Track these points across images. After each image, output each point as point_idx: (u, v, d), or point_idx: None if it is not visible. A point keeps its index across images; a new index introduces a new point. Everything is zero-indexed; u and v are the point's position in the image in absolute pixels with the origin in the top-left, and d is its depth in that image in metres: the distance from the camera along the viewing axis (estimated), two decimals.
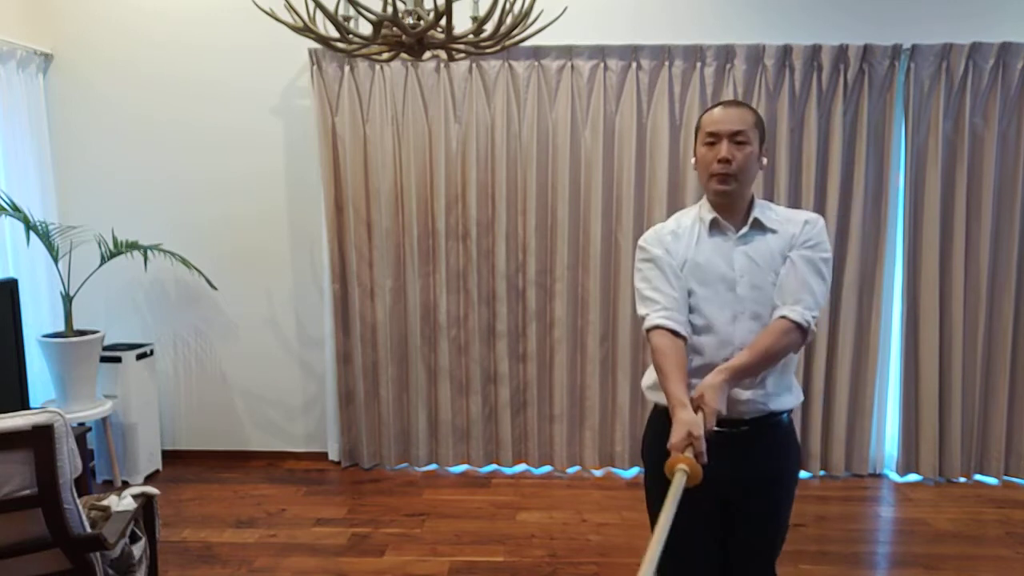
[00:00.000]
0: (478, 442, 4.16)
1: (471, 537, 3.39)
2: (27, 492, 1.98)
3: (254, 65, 4.03)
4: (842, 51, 3.81)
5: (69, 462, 2.01)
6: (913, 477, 4.10)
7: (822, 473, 4.11)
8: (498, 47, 2.73)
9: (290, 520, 3.57)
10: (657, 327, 1.80)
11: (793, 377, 1.93)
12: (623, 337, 4.04)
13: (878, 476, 4.12)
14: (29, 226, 3.54)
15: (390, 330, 4.08)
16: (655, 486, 1.85)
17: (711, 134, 1.84)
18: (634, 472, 4.14)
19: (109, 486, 3.92)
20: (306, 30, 2.67)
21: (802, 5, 3.92)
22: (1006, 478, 4.06)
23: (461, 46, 2.71)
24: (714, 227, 1.89)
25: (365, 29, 2.93)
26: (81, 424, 3.61)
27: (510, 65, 3.88)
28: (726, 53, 3.85)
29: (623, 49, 3.86)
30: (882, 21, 3.90)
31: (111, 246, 3.80)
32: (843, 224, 3.96)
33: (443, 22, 2.46)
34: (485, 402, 4.16)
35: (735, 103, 1.89)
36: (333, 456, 4.29)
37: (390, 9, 2.43)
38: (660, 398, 1.82)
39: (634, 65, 3.87)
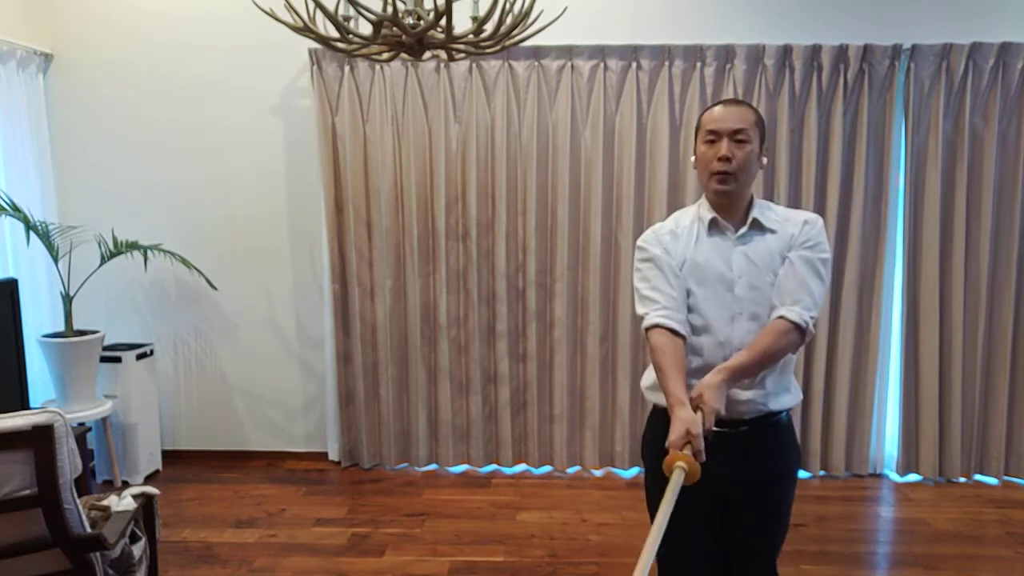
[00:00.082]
0: (478, 442, 4.16)
1: (471, 537, 3.39)
2: (27, 492, 1.98)
3: (254, 65, 4.04)
4: (842, 51, 3.82)
5: (69, 462, 2.01)
6: (913, 477, 4.10)
7: (822, 473, 4.11)
8: (498, 47, 2.73)
9: (290, 520, 3.57)
10: (656, 326, 1.80)
11: (792, 377, 1.93)
12: (623, 337, 4.04)
13: (878, 476, 4.12)
14: (29, 226, 3.54)
15: (390, 330, 4.08)
16: (655, 486, 1.85)
17: (711, 132, 1.84)
18: (634, 472, 4.14)
19: (109, 486, 3.92)
20: (306, 30, 2.68)
21: (802, 5, 3.92)
22: (1006, 478, 4.06)
23: (461, 46, 2.71)
24: (713, 227, 1.89)
25: (365, 29, 2.93)
26: (81, 424, 3.61)
27: (510, 65, 3.88)
28: (726, 53, 3.85)
29: (623, 49, 3.86)
30: (882, 21, 3.90)
31: (111, 246, 3.80)
32: (843, 224, 3.96)
33: (443, 22, 2.46)
34: (485, 402, 4.16)
35: (736, 101, 1.89)
36: (333, 456, 4.29)
37: (390, 9, 2.43)
38: (659, 399, 1.82)
39: (634, 65, 3.87)
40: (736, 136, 1.82)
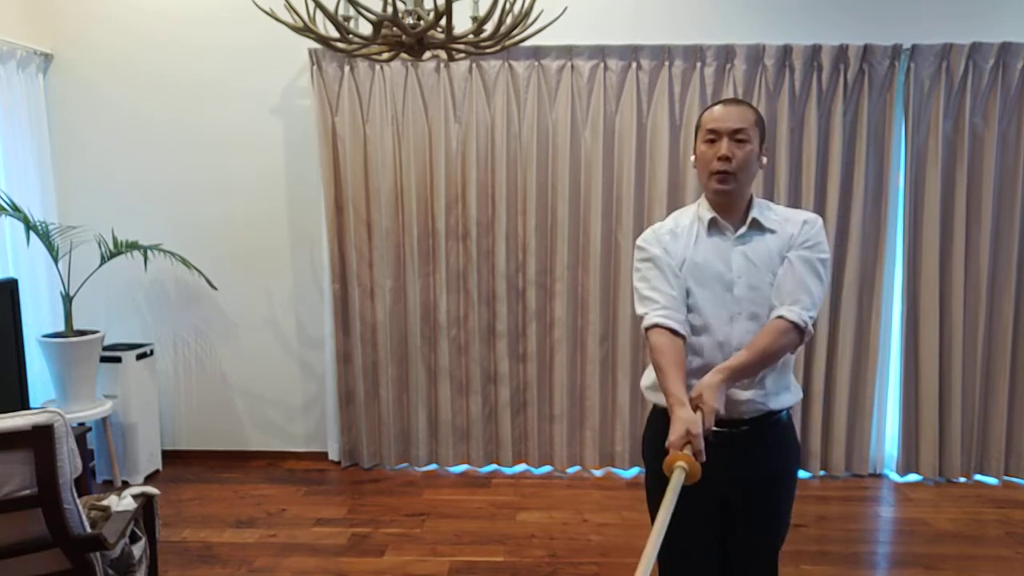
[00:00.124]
0: (478, 442, 4.16)
1: (471, 537, 3.38)
2: (27, 492, 1.98)
3: (254, 65, 4.04)
4: (842, 51, 3.81)
5: (69, 462, 2.01)
6: (913, 477, 4.10)
7: (822, 473, 4.11)
8: (498, 47, 2.73)
9: (290, 520, 3.57)
10: (656, 325, 1.80)
11: (792, 376, 1.93)
12: (623, 337, 4.04)
13: (878, 476, 4.12)
14: (29, 226, 3.54)
15: (390, 330, 4.08)
16: (655, 486, 1.85)
17: (711, 131, 1.84)
18: (634, 472, 4.14)
19: (109, 486, 3.92)
20: (306, 30, 2.68)
21: (802, 5, 3.92)
22: (1006, 478, 4.06)
23: (461, 46, 2.71)
24: (712, 227, 1.89)
25: (365, 29, 2.93)
26: (81, 424, 3.61)
27: (510, 65, 3.88)
28: (726, 53, 3.85)
29: (623, 49, 3.86)
30: (882, 21, 3.90)
31: (111, 246, 3.80)
32: (843, 224, 3.96)
33: (443, 22, 2.46)
34: (485, 402, 4.16)
35: (736, 101, 1.89)
36: (333, 456, 4.29)
37: (390, 9, 2.43)
38: (659, 399, 1.82)
39: (634, 65, 3.87)
40: (736, 136, 1.81)
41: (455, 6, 2.52)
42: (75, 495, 2.06)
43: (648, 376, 1.94)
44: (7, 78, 3.74)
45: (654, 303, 1.83)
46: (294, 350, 4.28)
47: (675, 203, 3.88)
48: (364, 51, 2.76)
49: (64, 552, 2.06)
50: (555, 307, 4.07)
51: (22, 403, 3.45)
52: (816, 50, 3.82)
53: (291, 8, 2.73)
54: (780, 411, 1.89)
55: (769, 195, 3.91)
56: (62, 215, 4.10)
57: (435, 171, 3.97)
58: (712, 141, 1.84)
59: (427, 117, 3.95)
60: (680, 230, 1.91)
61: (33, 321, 3.81)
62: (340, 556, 3.21)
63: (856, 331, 4.01)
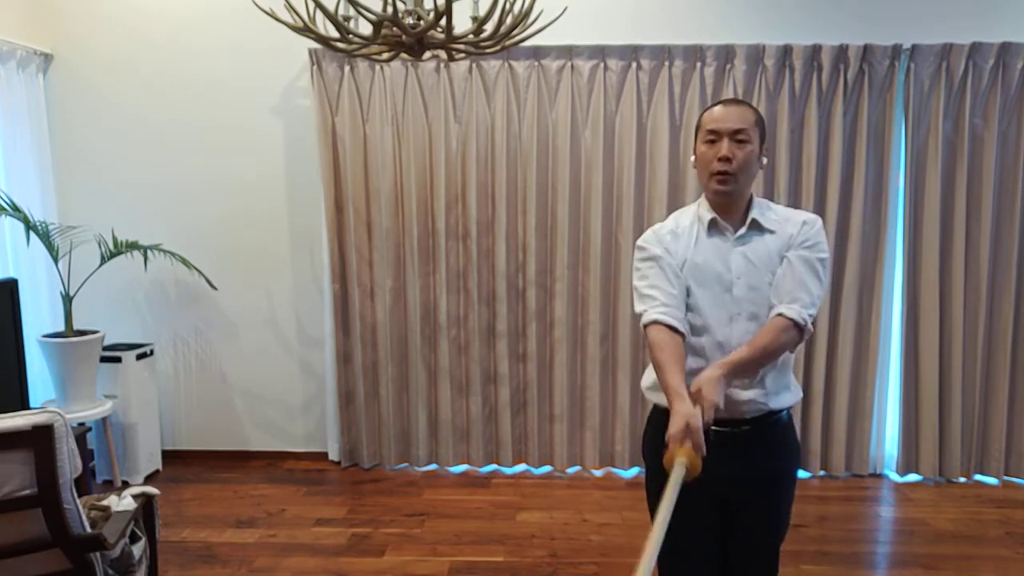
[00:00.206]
0: (478, 442, 4.16)
1: (471, 537, 3.38)
2: (27, 492, 1.98)
3: (254, 65, 4.04)
4: (842, 51, 3.82)
5: (69, 462, 2.01)
6: (913, 477, 4.10)
7: (822, 473, 4.11)
8: (498, 47, 2.73)
9: (290, 520, 3.57)
10: (655, 322, 1.80)
11: (792, 375, 1.93)
12: (623, 337, 4.04)
13: (878, 476, 4.12)
14: (29, 226, 3.54)
15: (390, 330, 4.08)
16: (655, 485, 1.85)
17: (712, 132, 1.84)
18: (634, 472, 4.14)
19: (109, 486, 3.92)
20: (306, 30, 2.68)
21: (802, 5, 3.92)
22: (1006, 478, 4.06)
23: (461, 46, 2.71)
24: (712, 227, 1.89)
25: (365, 29, 2.93)
26: (81, 424, 3.61)
27: (510, 65, 3.88)
28: (726, 53, 3.85)
29: (623, 49, 3.86)
30: (882, 21, 3.90)
31: (111, 246, 3.80)
32: (843, 224, 3.96)
33: (443, 22, 2.46)
34: (485, 402, 4.16)
35: (736, 101, 1.88)
36: (333, 456, 4.29)
37: (390, 9, 2.43)
38: (660, 398, 1.82)
39: (634, 65, 3.87)
40: (736, 136, 1.81)
41: (455, 6, 2.52)
42: (75, 495, 2.06)
43: (648, 376, 1.94)
44: (7, 78, 3.74)
45: (653, 300, 1.83)
46: (294, 350, 4.28)
47: (675, 203, 3.88)
48: (364, 51, 2.76)
49: (64, 552, 2.06)
50: (555, 307, 4.07)
51: (22, 403, 3.45)
52: (816, 50, 3.82)
53: (291, 8, 2.73)
54: (780, 411, 1.89)
55: (769, 195, 3.91)
56: (62, 215, 4.10)
57: (435, 171, 3.97)
58: (712, 142, 1.84)
59: (427, 117, 3.95)
60: (681, 230, 1.91)
61: (33, 321, 3.81)
62: (340, 556, 3.21)
63: (856, 331, 4.01)
